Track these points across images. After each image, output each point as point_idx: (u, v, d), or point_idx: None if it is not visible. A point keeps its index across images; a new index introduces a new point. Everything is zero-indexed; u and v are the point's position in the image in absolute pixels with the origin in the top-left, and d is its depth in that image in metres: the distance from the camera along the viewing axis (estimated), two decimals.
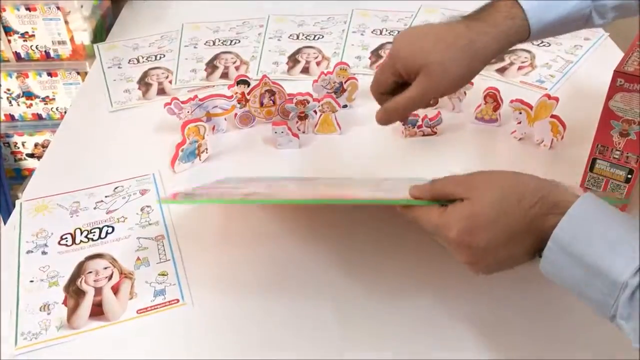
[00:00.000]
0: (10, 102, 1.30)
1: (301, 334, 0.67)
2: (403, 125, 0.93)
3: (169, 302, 0.70)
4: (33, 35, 1.21)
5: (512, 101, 0.91)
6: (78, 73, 1.25)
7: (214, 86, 1.09)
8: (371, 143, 0.94)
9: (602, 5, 0.66)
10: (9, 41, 1.21)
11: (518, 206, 0.50)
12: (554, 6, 0.65)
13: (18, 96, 1.29)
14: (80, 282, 0.72)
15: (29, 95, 1.29)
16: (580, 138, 0.88)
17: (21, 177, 1.39)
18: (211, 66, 1.15)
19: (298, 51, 1.18)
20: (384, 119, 0.67)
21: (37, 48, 1.23)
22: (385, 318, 0.66)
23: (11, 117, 1.32)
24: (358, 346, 0.64)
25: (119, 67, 1.16)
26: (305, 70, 1.13)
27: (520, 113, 0.91)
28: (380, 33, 1.22)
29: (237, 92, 0.96)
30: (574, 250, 0.48)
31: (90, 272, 0.74)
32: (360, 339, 0.64)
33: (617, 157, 0.76)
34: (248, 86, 0.96)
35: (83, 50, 1.24)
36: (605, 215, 0.50)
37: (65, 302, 0.70)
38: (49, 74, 1.25)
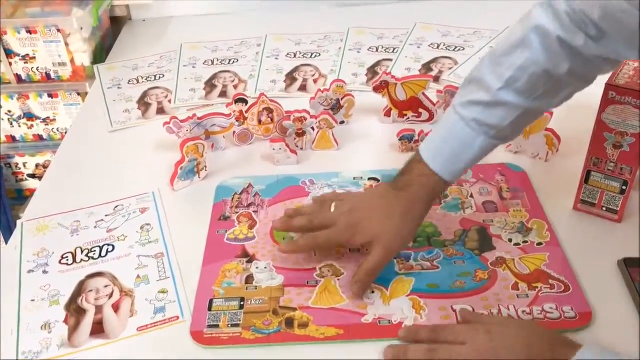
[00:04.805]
0: (11, 124, 1.31)
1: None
2: (400, 140, 0.94)
3: (169, 319, 0.70)
4: (34, 58, 1.23)
5: None
6: (78, 94, 1.26)
7: (212, 105, 1.10)
8: (368, 158, 0.95)
9: (499, 133, 0.70)
10: (10, 64, 1.23)
11: None
12: (460, 156, 0.71)
13: (19, 117, 1.30)
14: (81, 300, 0.73)
15: (30, 116, 1.30)
16: (575, 151, 0.89)
17: (22, 197, 1.39)
18: (210, 85, 1.16)
19: (295, 69, 1.19)
20: (362, 290, 0.70)
21: (37, 70, 1.24)
22: None
23: (12, 139, 1.33)
24: None
25: (118, 88, 1.17)
26: (303, 88, 1.14)
27: None
28: (377, 50, 1.24)
29: (235, 111, 0.97)
30: None
31: (91, 290, 0.74)
32: None
33: (611, 169, 0.77)
34: (246, 104, 0.98)
35: (83, 71, 1.25)
36: None
37: (66, 321, 0.71)
38: (50, 95, 1.27)
